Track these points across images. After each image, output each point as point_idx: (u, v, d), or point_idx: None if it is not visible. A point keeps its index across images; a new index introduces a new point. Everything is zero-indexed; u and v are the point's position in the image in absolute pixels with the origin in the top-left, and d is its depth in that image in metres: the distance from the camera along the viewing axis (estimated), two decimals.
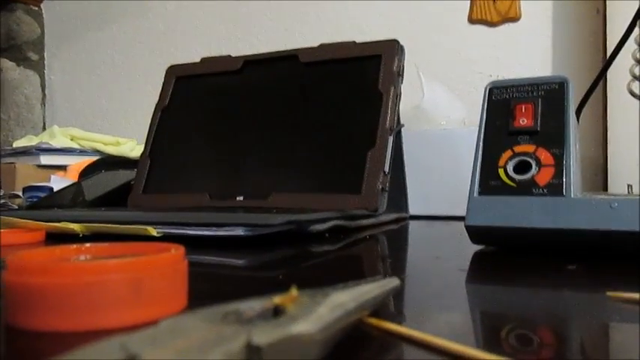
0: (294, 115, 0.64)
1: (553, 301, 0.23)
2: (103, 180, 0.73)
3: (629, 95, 0.53)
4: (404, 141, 0.64)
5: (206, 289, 0.25)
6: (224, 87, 0.70)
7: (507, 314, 0.21)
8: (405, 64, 0.61)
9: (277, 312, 0.12)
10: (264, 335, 0.10)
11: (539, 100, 0.37)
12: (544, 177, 0.34)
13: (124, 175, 0.73)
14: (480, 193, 0.36)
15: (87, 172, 0.82)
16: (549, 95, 0.37)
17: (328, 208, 0.51)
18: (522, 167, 0.35)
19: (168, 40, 1.36)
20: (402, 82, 0.60)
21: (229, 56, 0.72)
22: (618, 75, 0.57)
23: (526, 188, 0.34)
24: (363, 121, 0.59)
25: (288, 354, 0.11)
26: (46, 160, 1.04)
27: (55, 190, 0.75)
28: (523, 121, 0.36)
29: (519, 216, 0.34)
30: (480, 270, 0.32)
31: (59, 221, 0.43)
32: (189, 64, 0.74)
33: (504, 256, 0.35)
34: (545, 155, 0.35)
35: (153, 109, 0.73)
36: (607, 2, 0.91)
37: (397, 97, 0.59)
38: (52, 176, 0.88)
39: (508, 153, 0.36)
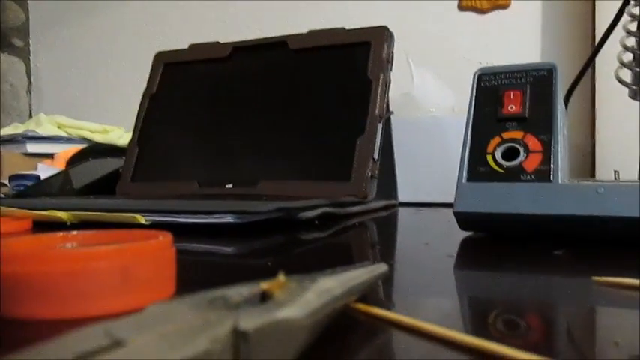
0: (283, 101, 0.64)
1: (540, 286, 0.23)
2: (91, 168, 0.72)
3: (617, 82, 0.54)
4: (393, 128, 0.64)
5: (194, 277, 0.25)
6: (213, 74, 0.70)
7: (495, 299, 0.21)
8: (394, 51, 0.61)
9: (264, 297, 0.12)
10: (250, 320, 0.10)
11: (528, 86, 0.37)
12: (532, 163, 0.34)
13: (112, 164, 0.73)
14: (468, 180, 0.36)
15: (74, 161, 0.81)
16: (538, 82, 0.37)
17: (317, 195, 0.51)
18: (510, 154, 0.35)
19: (155, 27, 1.34)
20: (391, 69, 0.60)
21: (218, 43, 0.71)
22: (606, 62, 0.57)
23: (514, 175, 0.35)
24: (353, 108, 0.58)
25: (275, 339, 0.11)
26: (32, 148, 1.03)
27: (42, 178, 0.74)
28: (511, 107, 0.36)
29: (507, 202, 0.34)
30: (469, 256, 0.32)
31: (46, 210, 0.43)
32: (177, 51, 0.74)
33: (492, 242, 0.35)
34: (533, 142, 0.35)
35: (141, 97, 0.72)
36: None
37: (387, 84, 0.59)
38: (39, 165, 0.88)
39: (496, 140, 0.36)
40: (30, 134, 1.03)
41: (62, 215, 0.42)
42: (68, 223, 0.42)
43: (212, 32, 1.26)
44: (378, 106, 0.57)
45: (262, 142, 0.63)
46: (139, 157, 0.69)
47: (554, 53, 1.00)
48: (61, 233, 0.22)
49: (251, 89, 0.66)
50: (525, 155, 0.35)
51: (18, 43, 1.48)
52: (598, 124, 0.92)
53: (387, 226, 0.50)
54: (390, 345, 0.16)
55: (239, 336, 0.10)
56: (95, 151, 0.86)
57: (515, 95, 0.37)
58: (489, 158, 0.36)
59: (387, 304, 0.20)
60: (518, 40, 1.02)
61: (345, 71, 0.62)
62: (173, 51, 0.74)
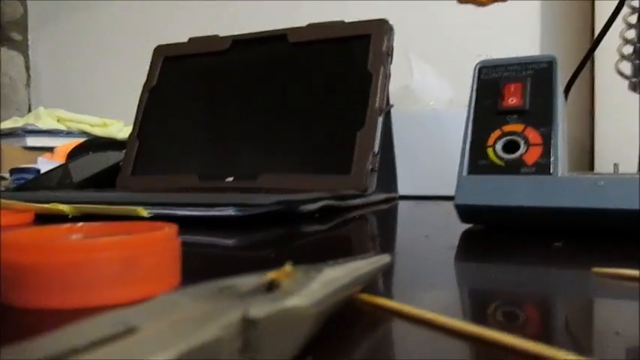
0: (283, 95, 0.64)
1: (540, 278, 0.23)
2: (91, 162, 0.73)
3: (617, 75, 0.54)
4: (392, 121, 0.64)
5: (197, 269, 0.25)
6: (212, 67, 0.70)
7: (495, 291, 0.21)
8: (394, 44, 0.61)
9: (271, 287, 0.13)
10: (260, 309, 0.10)
11: (528, 79, 0.37)
12: (532, 156, 0.35)
13: (112, 157, 0.73)
14: (468, 173, 0.36)
15: (74, 154, 0.81)
16: (538, 75, 0.37)
17: (318, 188, 0.51)
18: (511, 146, 0.35)
19: (155, 20, 1.34)
20: (391, 62, 0.60)
21: (217, 36, 0.71)
22: (606, 54, 0.57)
23: (514, 167, 0.35)
24: (353, 102, 0.59)
25: (283, 327, 0.11)
26: (32, 141, 1.03)
27: (42, 172, 0.74)
28: (512, 100, 0.36)
29: (507, 195, 0.34)
30: (469, 248, 0.32)
31: (48, 202, 0.43)
32: (176, 44, 0.74)
33: (493, 235, 0.35)
34: (533, 134, 0.35)
35: (140, 90, 0.72)
36: None
37: (386, 77, 0.59)
38: (39, 158, 0.88)
39: (497, 132, 0.36)
40: (30, 128, 1.03)
41: (64, 208, 0.42)
42: (70, 216, 0.42)
43: (212, 26, 1.26)
44: (378, 99, 0.57)
45: (262, 135, 0.63)
46: (139, 151, 0.69)
47: (554, 46, 1.00)
48: (66, 225, 0.22)
49: (251, 82, 0.66)
50: (526, 148, 0.35)
51: (16, 36, 1.48)
52: (597, 117, 0.92)
53: (388, 219, 0.50)
54: (392, 334, 0.16)
55: (249, 324, 0.10)
56: (95, 144, 0.86)
57: (516, 88, 0.37)
58: (490, 151, 0.36)
59: (388, 295, 0.20)
60: (518, 32, 1.02)
61: (344, 64, 0.62)
62: (173, 44, 0.74)
